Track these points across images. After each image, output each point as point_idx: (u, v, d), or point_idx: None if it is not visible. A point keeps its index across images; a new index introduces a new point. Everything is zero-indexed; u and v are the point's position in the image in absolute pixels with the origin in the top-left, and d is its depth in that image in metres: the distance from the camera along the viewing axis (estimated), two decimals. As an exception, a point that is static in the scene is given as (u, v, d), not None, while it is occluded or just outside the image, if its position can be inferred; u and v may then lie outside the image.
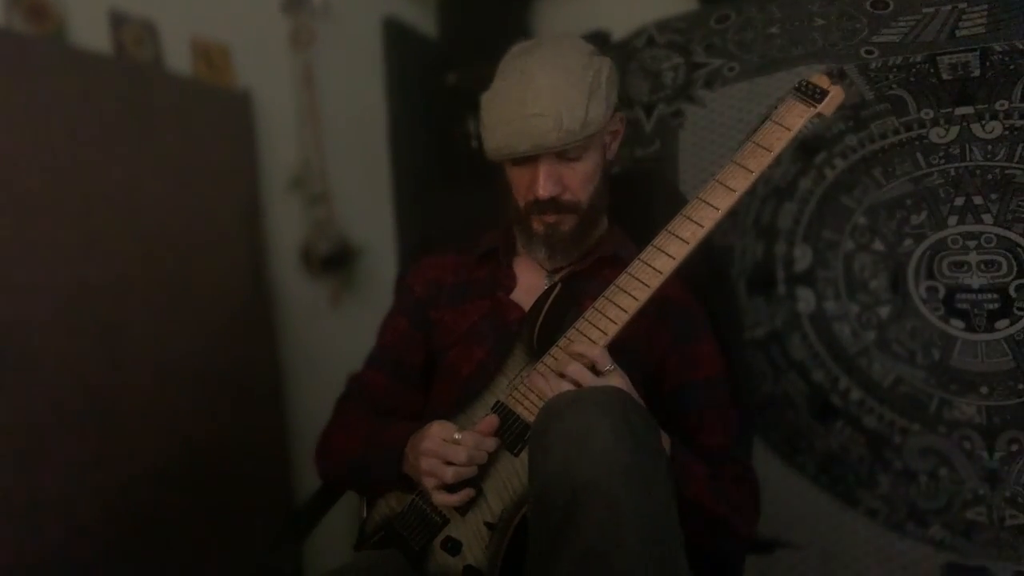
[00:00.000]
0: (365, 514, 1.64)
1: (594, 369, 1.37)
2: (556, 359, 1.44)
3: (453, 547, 1.46)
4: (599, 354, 1.37)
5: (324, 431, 1.78)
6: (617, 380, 1.36)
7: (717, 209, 1.40)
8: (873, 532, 2.18)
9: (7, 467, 1.88)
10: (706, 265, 1.75)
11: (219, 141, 2.54)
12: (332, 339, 3.01)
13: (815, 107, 1.41)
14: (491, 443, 1.43)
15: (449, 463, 1.41)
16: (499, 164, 1.67)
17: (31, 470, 1.93)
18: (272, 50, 2.82)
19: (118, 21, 2.25)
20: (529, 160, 1.57)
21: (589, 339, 1.41)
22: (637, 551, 1.10)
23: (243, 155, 2.64)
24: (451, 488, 1.43)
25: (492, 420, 1.45)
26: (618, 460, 1.14)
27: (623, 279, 1.43)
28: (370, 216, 3.26)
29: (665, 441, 1.41)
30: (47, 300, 1.98)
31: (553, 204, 1.58)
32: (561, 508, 1.14)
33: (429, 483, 1.45)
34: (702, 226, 1.40)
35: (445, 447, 1.42)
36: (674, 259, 1.40)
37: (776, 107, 1.45)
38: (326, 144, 2.95)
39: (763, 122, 1.44)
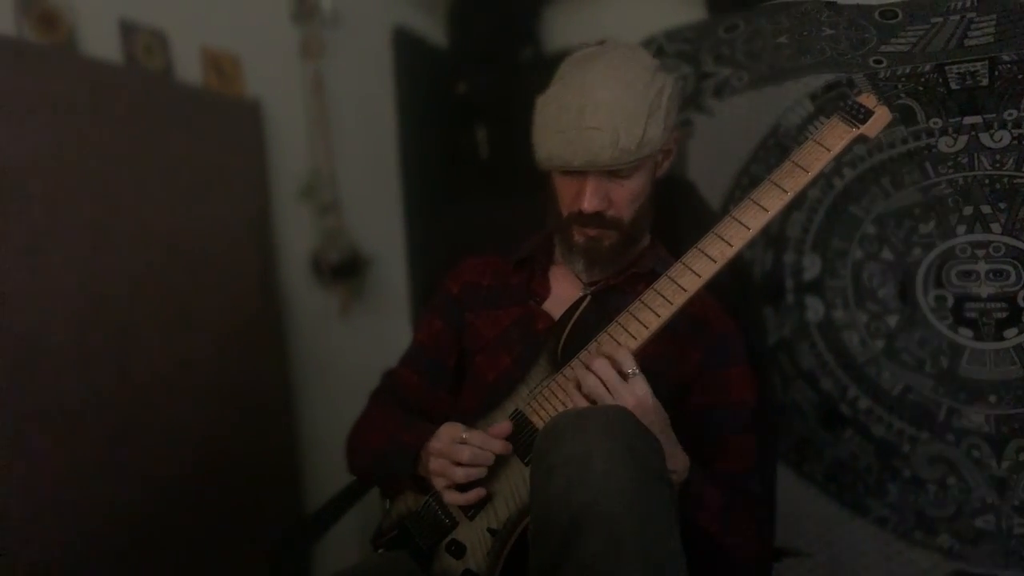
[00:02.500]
0: (388, 508, 1.66)
1: (620, 372, 1.36)
2: (576, 371, 1.43)
3: (457, 550, 1.47)
4: (623, 356, 1.36)
5: (355, 424, 1.80)
6: (641, 386, 1.34)
7: (748, 229, 1.38)
8: (882, 540, 2.18)
9: (17, 476, 1.89)
10: (734, 281, 1.75)
11: (229, 150, 2.55)
12: (342, 348, 3.02)
13: (858, 128, 1.37)
14: (498, 445, 1.43)
15: (458, 463, 1.42)
16: (545, 172, 1.65)
17: (40, 477, 1.93)
18: (282, 59, 2.83)
19: (128, 30, 2.26)
20: (578, 171, 1.54)
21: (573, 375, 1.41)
22: None
23: (253, 164, 2.65)
24: (462, 488, 1.44)
25: (505, 425, 1.46)
26: (619, 485, 1.13)
27: (648, 295, 1.41)
28: (380, 225, 3.26)
29: (684, 462, 1.41)
30: (57, 309, 1.99)
31: (597, 219, 1.56)
32: (560, 532, 1.13)
33: (439, 483, 1.46)
34: (732, 245, 1.37)
35: (452, 447, 1.43)
36: (700, 277, 1.37)
37: (803, 126, 1.43)
38: (336, 153, 2.96)
39: (792, 141, 1.41)
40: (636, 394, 1.33)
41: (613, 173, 1.53)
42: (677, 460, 1.39)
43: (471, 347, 1.74)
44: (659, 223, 1.74)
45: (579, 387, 1.38)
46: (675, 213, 1.84)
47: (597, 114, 1.47)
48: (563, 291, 1.71)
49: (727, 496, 1.49)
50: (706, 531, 1.42)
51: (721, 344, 1.63)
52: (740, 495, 1.53)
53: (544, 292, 1.73)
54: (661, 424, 1.36)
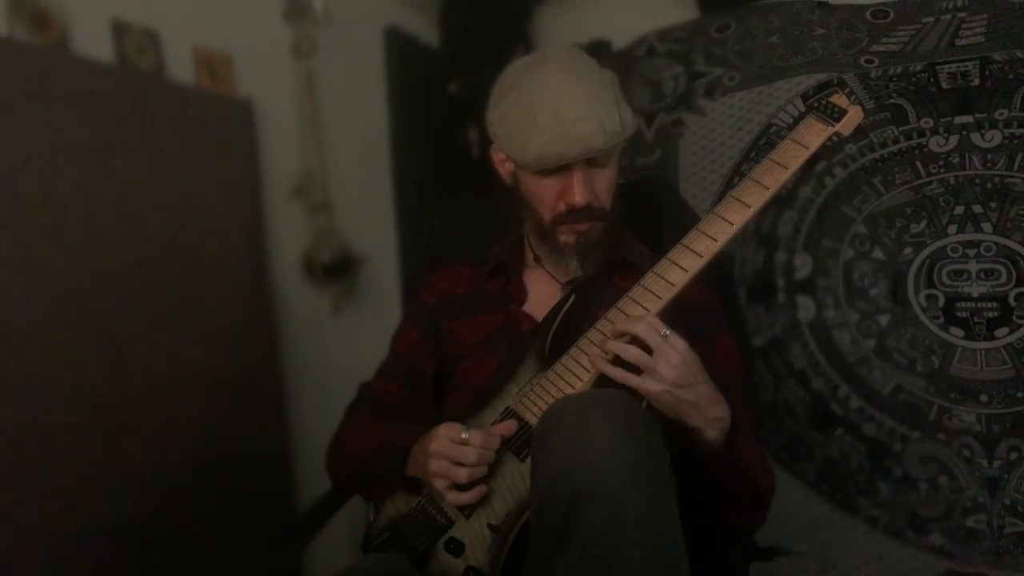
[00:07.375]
0: (372, 516, 1.64)
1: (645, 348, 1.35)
2: (566, 366, 1.44)
3: (456, 548, 1.47)
4: (654, 319, 1.35)
5: (334, 435, 1.79)
6: (679, 341, 1.33)
7: (732, 224, 1.40)
8: (873, 540, 2.18)
9: (10, 477, 1.88)
10: (712, 273, 1.76)
11: (221, 150, 2.55)
12: (334, 347, 3.01)
13: (833, 126, 1.42)
14: (497, 441, 1.43)
15: (459, 464, 1.41)
16: (513, 182, 1.67)
17: (34, 480, 1.93)
18: (274, 59, 2.83)
19: (120, 30, 2.26)
20: (559, 169, 1.54)
21: (600, 348, 1.41)
22: (639, 558, 1.09)
23: (245, 164, 2.65)
24: (462, 487, 1.44)
25: (511, 423, 1.45)
26: (621, 464, 1.14)
27: (636, 291, 1.43)
28: (372, 225, 3.26)
29: (728, 409, 1.40)
30: (48, 310, 1.99)
31: (587, 211, 1.57)
32: (563, 512, 1.13)
33: (439, 484, 1.44)
34: (716, 240, 1.40)
35: (454, 448, 1.42)
36: (687, 272, 1.40)
37: (794, 125, 1.46)
38: (328, 153, 2.96)
39: (781, 140, 1.44)
40: (678, 349, 1.33)
41: (593, 163, 1.55)
42: (723, 407, 1.39)
43: (452, 355, 1.74)
44: (639, 223, 1.75)
45: (609, 359, 1.37)
46: (655, 213, 1.85)
47: (576, 106, 1.48)
48: (540, 293, 1.71)
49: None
50: (749, 471, 1.43)
51: (704, 316, 1.65)
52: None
53: (522, 296, 1.73)
54: (704, 374, 1.37)
